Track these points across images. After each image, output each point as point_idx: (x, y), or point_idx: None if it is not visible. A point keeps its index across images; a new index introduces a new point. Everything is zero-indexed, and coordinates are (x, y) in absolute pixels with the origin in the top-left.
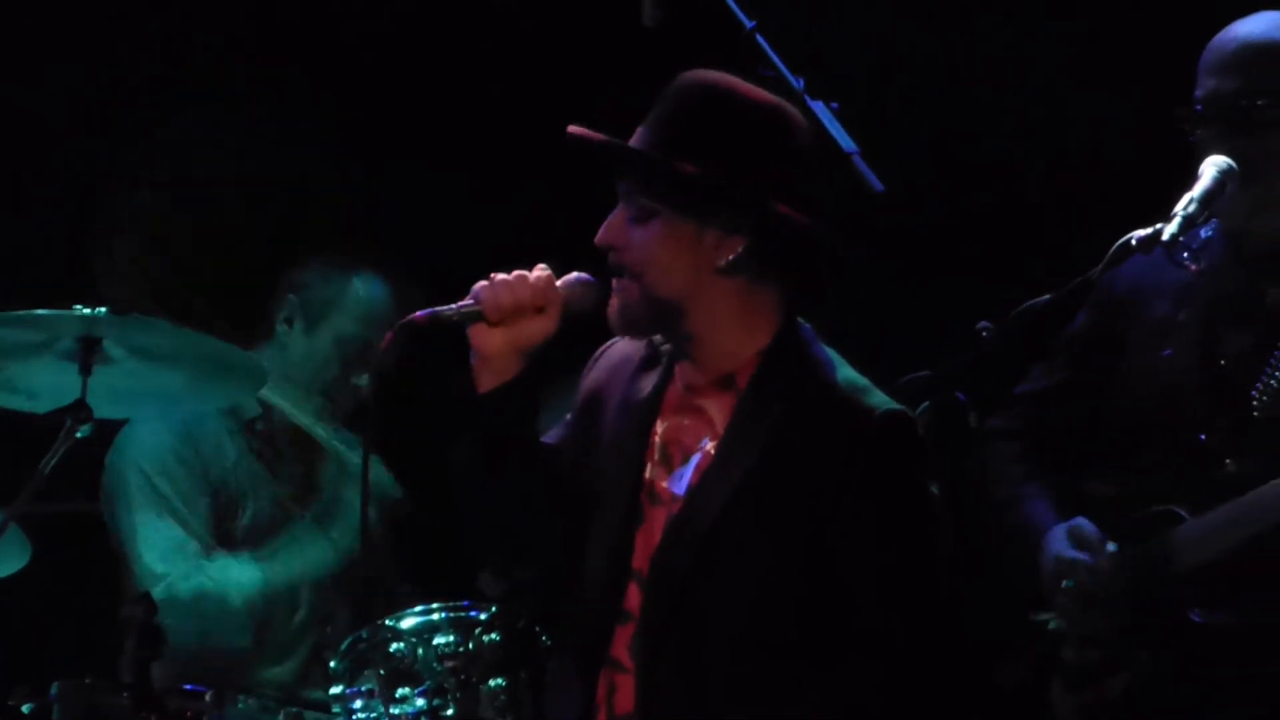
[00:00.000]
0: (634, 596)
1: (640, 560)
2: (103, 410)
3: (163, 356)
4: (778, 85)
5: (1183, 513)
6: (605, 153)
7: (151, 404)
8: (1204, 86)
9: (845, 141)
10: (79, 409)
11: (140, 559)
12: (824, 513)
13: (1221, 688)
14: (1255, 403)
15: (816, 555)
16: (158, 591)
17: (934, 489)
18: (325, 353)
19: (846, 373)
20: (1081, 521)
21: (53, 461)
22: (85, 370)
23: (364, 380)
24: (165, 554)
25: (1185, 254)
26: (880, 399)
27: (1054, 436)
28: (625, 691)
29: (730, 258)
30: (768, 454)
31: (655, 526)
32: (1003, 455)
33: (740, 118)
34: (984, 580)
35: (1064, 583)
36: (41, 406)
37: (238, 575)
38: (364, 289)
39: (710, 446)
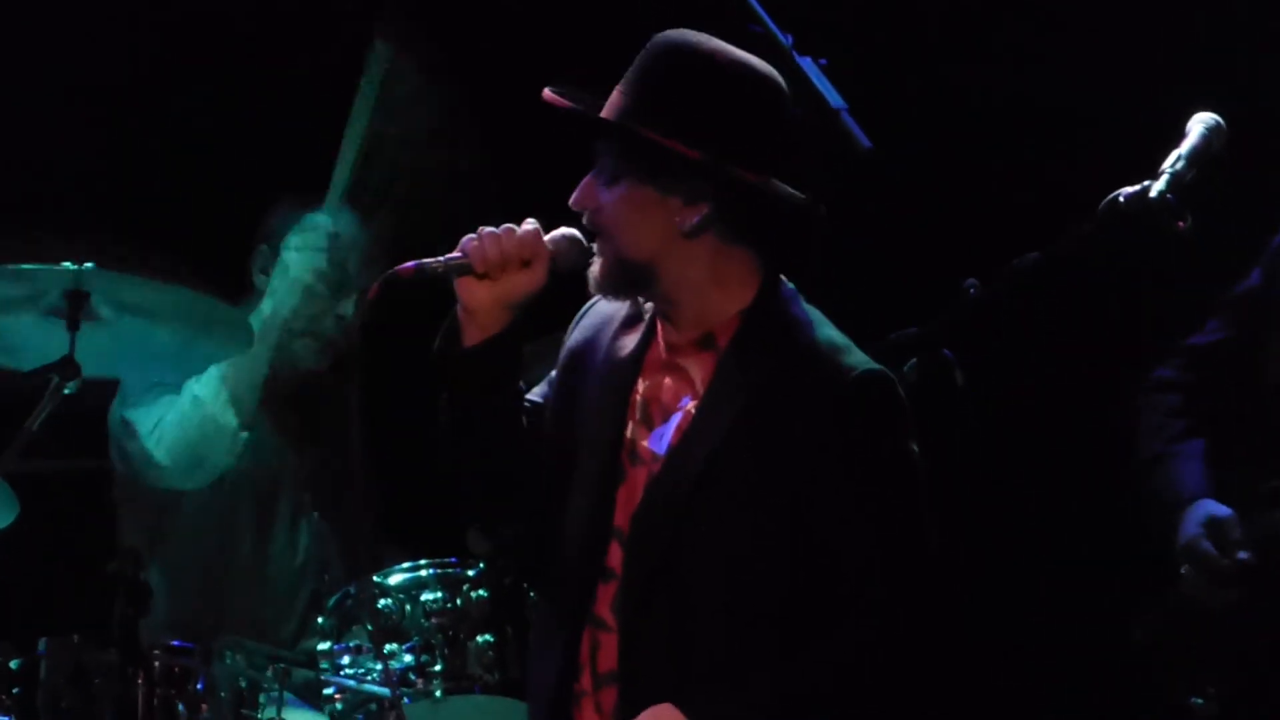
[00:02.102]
0: (616, 555)
1: (621, 519)
2: (90, 368)
3: (150, 313)
4: (766, 42)
5: None
6: (571, 117)
7: (139, 363)
8: None
9: (833, 98)
10: (66, 365)
11: (140, 435)
12: (803, 473)
13: None
14: None
15: (796, 515)
16: (154, 441)
17: (914, 448)
18: (299, 295)
19: (827, 332)
20: (1227, 516)
21: (40, 418)
22: (73, 326)
23: (348, 309)
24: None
25: (1175, 213)
26: (859, 359)
27: (1215, 393)
28: (608, 650)
29: (695, 221)
30: (747, 414)
31: (636, 485)
32: (1162, 407)
33: (705, 82)
34: (1116, 538)
35: (1184, 568)
36: (26, 363)
37: (199, 386)
38: (325, 220)
39: (691, 406)
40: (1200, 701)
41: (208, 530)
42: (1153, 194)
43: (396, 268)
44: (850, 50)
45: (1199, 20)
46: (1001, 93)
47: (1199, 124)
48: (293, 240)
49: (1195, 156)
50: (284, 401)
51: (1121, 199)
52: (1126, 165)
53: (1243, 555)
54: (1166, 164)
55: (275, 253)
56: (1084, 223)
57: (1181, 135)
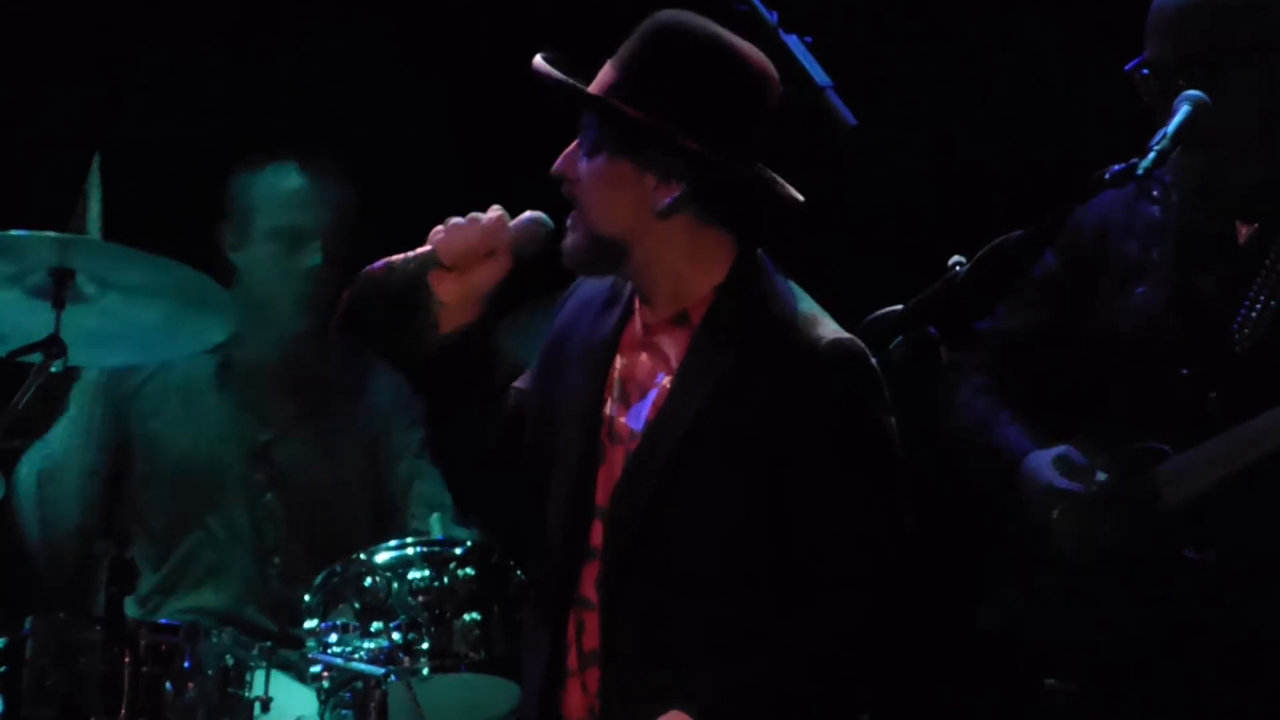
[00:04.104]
0: (598, 534)
1: (602, 497)
2: (77, 356)
3: (135, 290)
4: (752, 19)
5: (1166, 449)
6: (554, 88)
7: (126, 346)
8: (1150, 49)
9: (819, 76)
10: (52, 343)
11: None
12: (777, 446)
13: (1211, 625)
14: (1236, 338)
15: (773, 489)
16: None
17: (888, 419)
18: (270, 255)
19: (800, 304)
20: (1069, 450)
21: (26, 396)
22: (58, 304)
23: (315, 259)
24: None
25: (1158, 189)
26: (830, 329)
27: (1022, 377)
28: (593, 629)
29: (668, 201)
30: (720, 389)
31: (615, 464)
32: (970, 387)
33: (692, 65)
34: (965, 524)
35: (1054, 512)
36: (11, 346)
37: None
38: (277, 178)
39: (666, 383)
40: (1054, 681)
41: (168, 508)
42: (1139, 171)
43: (367, 268)
44: (836, 27)
45: None
46: (987, 70)
47: (1185, 101)
48: (248, 205)
49: (1181, 133)
50: (260, 386)
51: (1107, 176)
52: (1113, 142)
53: (1100, 476)
54: (1153, 141)
55: (235, 224)
56: (1070, 200)
57: (1170, 112)
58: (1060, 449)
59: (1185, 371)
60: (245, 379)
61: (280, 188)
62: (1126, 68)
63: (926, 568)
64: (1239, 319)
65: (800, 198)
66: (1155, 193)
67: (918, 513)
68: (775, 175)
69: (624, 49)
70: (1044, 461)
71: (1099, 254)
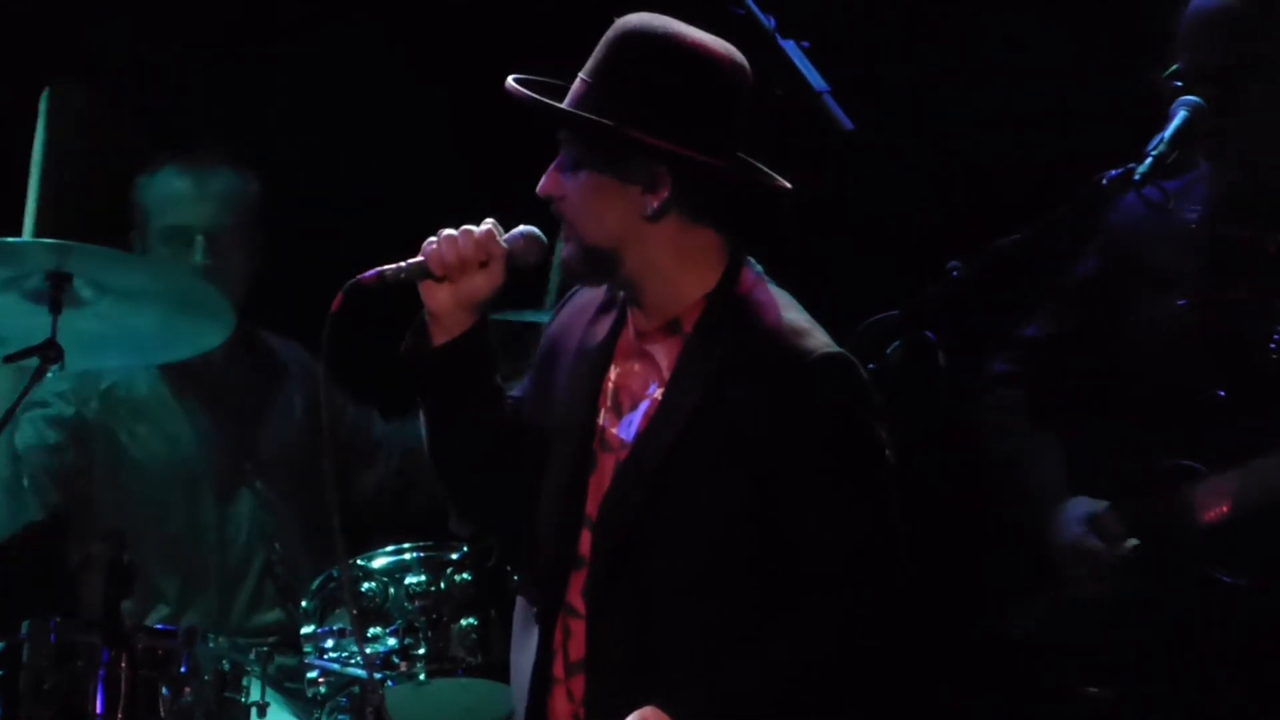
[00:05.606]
0: (587, 542)
1: (592, 506)
2: (74, 361)
3: (132, 295)
4: (749, 25)
5: (1199, 467)
6: (529, 108)
7: (121, 351)
8: (1181, 59)
9: (816, 80)
10: (49, 347)
11: None
12: (765, 456)
13: (1242, 643)
14: (1275, 356)
15: (762, 500)
16: None
17: (877, 426)
18: (166, 256)
19: (790, 315)
20: (1105, 511)
21: (23, 399)
22: (55, 309)
23: (199, 256)
24: None
25: (1157, 194)
26: (819, 341)
27: (1059, 385)
28: (579, 637)
29: (655, 205)
30: (708, 400)
31: (606, 473)
32: (1005, 405)
33: (660, 67)
34: (990, 530)
35: (1070, 569)
36: (8, 349)
37: None
38: (162, 182)
39: (658, 393)
40: (1095, 690)
41: (141, 506)
42: (1136, 176)
43: (359, 276)
44: (833, 32)
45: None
46: (985, 74)
47: (1182, 107)
48: (141, 213)
49: (1178, 138)
50: (198, 374)
51: (1105, 181)
52: (1111, 146)
53: (1132, 543)
54: (1150, 146)
55: (141, 230)
56: (1067, 204)
57: (1166, 117)
58: (1101, 507)
59: (1223, 394)
60: (187, 378)
61: (165, 189)
62: (1162, 76)
63: (928, 573)
64: (1275, 341)
65: (787, 185)
66: (1153, 198)
67: (919, 518)
68: (759, 164)
69: (592, 59)
70: (1077, 515)
71: (1133, 261)
